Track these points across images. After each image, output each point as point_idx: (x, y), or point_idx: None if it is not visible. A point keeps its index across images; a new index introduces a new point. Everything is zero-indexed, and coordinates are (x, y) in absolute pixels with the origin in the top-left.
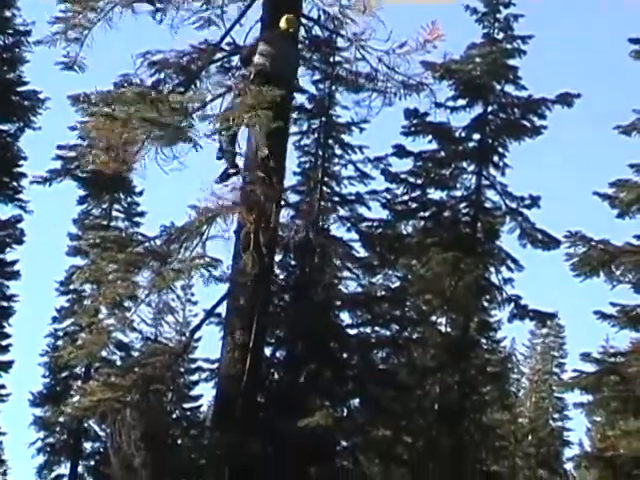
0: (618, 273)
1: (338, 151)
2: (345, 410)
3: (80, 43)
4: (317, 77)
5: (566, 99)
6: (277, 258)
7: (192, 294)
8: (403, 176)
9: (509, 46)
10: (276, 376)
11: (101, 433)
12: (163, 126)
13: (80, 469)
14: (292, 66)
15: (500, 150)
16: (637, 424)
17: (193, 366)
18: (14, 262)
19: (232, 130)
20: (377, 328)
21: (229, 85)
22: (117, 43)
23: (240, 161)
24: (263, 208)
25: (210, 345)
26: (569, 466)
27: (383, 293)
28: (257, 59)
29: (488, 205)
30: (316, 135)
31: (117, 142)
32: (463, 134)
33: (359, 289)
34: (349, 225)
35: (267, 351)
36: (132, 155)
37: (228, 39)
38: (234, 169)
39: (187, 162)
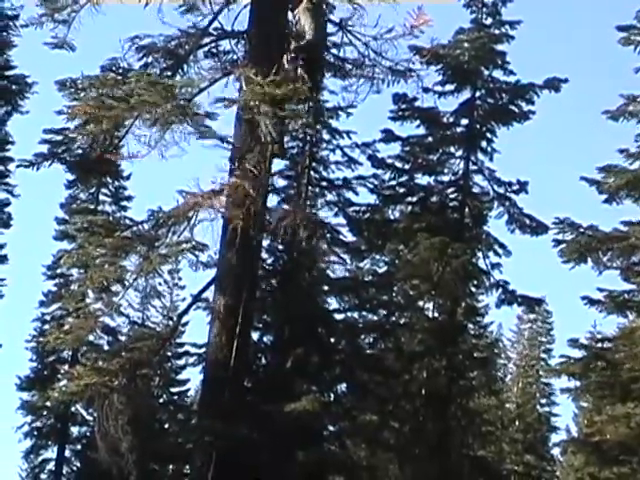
0: (605, 259)
1: (326, 136)
2: (332, 395)
3: (68, 25)
4: None
5: (554, 84)
6: (264, 243)
7: (179, 278)
8: (390, 161)
9: (497, 31)
10: (263, 361)
11: (88, 417)
12: (157, 110)
13: (67, 453)
14: (323, 41)
15: (488, 135)
16: (624, 409)
17: (180, 350)
18: (1, 246)
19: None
20: (364, 313)
21: (225, 70)
22: (105, 27)
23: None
24: (252, 202)
25: (197, 329)
26: (556, 451)
27: (370, 278)
28: (294, 42)
29: (476, 190)
30: (304, 120)
31: (105, 126)
32: (451, 119)
33: (346, 274)
34: (337, 210)
35: (254, 336)
36: (120, 139)
37: (216, 24)
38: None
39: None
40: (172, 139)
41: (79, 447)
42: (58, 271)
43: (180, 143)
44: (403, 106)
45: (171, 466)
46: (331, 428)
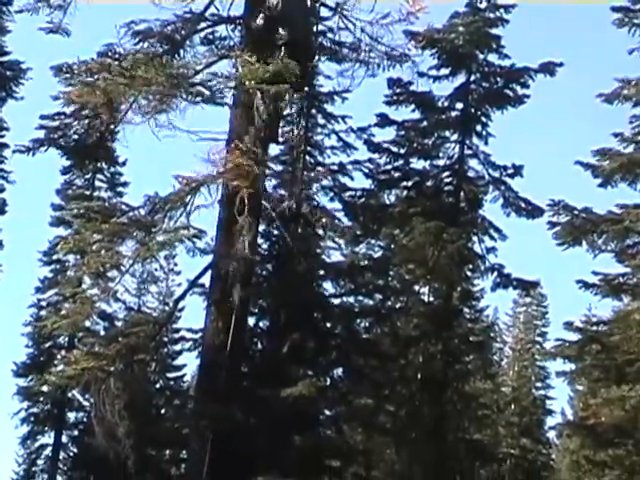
0: (600, 242)
1: (321, 121)
2: (328, 379)
3: (63, 10)
4: None
5: (549, 68)
6: (260, 228)
7: (175, 264)
8: (386, 146)
9: (492, 15)
10: (259, 346)
11: (85, 403)
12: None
13: (64, 439)
14: (312, 29)
15: (483, 119)
16: (619, 392)
17: (177, 336)
18: None
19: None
20: (360, 298)
21: (221, 54)
22: (100, 12)
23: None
24: (253, 178)
25: (194, 315)
26: (551, 434)
27: (366, 263)
28: (281, 30)
29: (471, 174)
30: (299, 105)
31: (101, 110)
32: (446, 103)
33: (342, 259)
34: (332, 195)
35: (250, 321)
36: (115, 123)
37: (212, 9)
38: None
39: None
40: (167, 111)
41: (76, 433)
42: (54, 257)
43: (176, 115)
44: (398, 90)
45: (168, 451)
46: (327, 413)
